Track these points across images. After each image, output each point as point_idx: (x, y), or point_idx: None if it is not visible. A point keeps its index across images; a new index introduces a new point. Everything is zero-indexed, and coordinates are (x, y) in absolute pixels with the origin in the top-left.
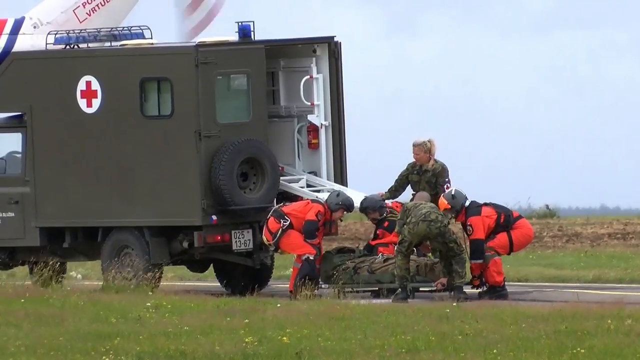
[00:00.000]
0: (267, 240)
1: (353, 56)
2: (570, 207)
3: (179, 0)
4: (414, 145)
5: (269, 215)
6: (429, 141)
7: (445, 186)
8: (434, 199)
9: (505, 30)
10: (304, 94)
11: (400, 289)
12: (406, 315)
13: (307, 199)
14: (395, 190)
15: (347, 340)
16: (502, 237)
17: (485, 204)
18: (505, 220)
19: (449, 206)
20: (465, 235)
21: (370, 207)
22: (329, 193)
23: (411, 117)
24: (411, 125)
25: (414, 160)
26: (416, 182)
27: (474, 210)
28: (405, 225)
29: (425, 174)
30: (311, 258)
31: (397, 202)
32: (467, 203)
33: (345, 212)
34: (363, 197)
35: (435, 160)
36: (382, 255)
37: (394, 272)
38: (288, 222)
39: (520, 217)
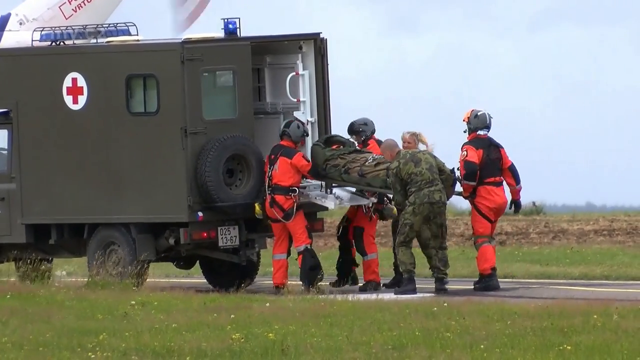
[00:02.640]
0: (271, 217)
1: (347, 54)
2: (557, 204)
3: None
4: (409, 134)
5: (270, 193)
6: (419, 133)
7: None
8: None
9: (501, 30)
10: (290, 90)
11: (406, 279)
12: (392, 312)
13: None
14: None
15: (333, 336)
16: (478, 219)
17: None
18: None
19: (467, 120)
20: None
21: (349, 129)
22: (291, 125)
23: (402, 115)
24: (401, 123)
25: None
26: None
27: (479, 143)
28: (409, 206)
29: None
30: (309, 247)
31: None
32: (482, 132)
33: None
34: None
35: None
36: (372, 156)
37: (384, 179)
38: (297, 192)
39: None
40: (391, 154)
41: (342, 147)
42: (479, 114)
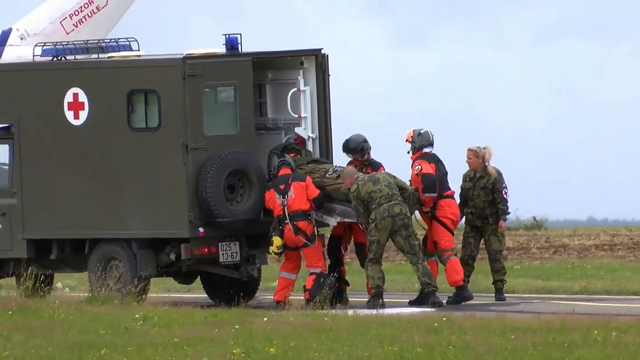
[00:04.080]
0: (293, 245)
1: (352, 69)
2: (558, 218)
3: None
4: (468, 150)
5: (289, 221)
6: (484, 148)
7: (503, 192)
8: (490, 204)
9: (505, 45)
10: (291, 106)
11: (375, 294)
12: (393, 326)
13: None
14: (461, 205)
15: (334, 351)
16: (442, 232)
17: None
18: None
19: (411, 139)
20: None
21: (353, 147)
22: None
23: (401, 131)
24: (401, 139)
25: (468, 166)
26: (469, 189)
27: (429, 158)
28: (371, 223)
29: (479, 180)
30: (324, 272)
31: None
32: (428, 150)
33: None
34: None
35: (492, 167)
36: (333, 168)
37: (346, 192)
38: (314, 215)
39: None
40: (351, 181)
41: (299, 156)
42: (422, 131)
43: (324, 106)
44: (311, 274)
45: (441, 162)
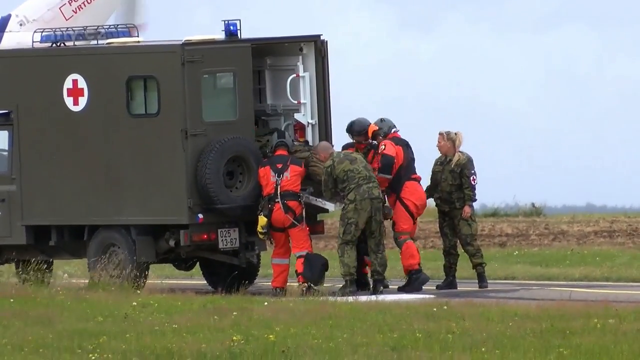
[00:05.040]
0: (280, 225)
1: (354, 55)
2: (557, 205)
3: None
4: (439, 134)
5: (279, 199)
6: (455, 133)
7: (471, 178)
8: (458, 189)
9: (508, 31)
10: (290, 92)
11: (348, 282)
12: (393, 313)
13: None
14: (431, 189)
15: (333, 338)
16: (403, 215)
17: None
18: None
19: (377, 129)
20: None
21: (359, 130)
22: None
23: (403, 117)
24: (402, 126)
25: (438, 150)
26: (438, 172)
27: (397, 140)
28: (349, 204)
29: (448, 164)
30: (310, 253)
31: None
32: (394, 130)
33: None
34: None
35: (461, 153)
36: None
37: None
38: (302, 197)
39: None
40: (325, 156)
41: (256, 127)
42: (382, 117)
43: (323, 92)
44: (299, 257)
45: (410, 146)
